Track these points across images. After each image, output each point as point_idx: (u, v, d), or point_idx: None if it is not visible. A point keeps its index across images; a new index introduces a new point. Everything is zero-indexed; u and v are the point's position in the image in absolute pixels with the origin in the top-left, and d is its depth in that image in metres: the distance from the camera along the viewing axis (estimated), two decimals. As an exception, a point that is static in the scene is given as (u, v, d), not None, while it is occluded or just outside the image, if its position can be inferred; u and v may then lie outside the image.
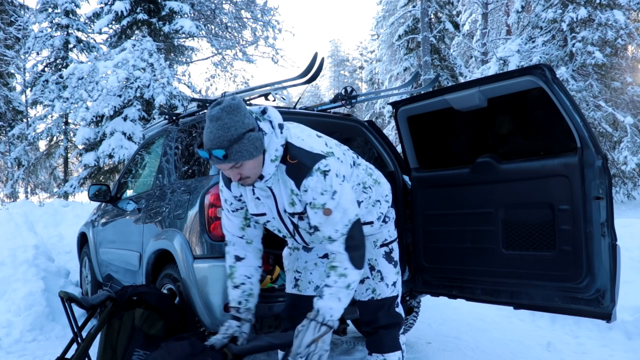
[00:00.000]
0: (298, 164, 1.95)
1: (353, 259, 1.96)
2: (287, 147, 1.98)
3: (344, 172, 2.04)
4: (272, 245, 3.65)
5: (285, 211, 2.07)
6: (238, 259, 2.23)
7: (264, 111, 1.99)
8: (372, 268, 2.38)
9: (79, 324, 2.78)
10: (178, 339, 2.24)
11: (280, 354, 2.45)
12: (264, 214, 2.13)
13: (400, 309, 2.44)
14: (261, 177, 1.98)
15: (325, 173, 1.93)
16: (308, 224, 2.05)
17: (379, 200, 2.32)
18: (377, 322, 2.38)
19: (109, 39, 13.98)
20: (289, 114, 3.62)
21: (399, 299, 2.44)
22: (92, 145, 12.18)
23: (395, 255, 2.43)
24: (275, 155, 1.95)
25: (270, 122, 1.97)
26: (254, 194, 2.09)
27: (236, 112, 1.87)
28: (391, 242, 2.41)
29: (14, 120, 17.44)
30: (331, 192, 1.93)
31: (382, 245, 2.38)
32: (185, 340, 2.17)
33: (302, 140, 2.01)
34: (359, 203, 2.19)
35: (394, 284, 2.40)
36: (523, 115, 3.02)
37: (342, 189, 1.96)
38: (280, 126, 2.00)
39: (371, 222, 2.32)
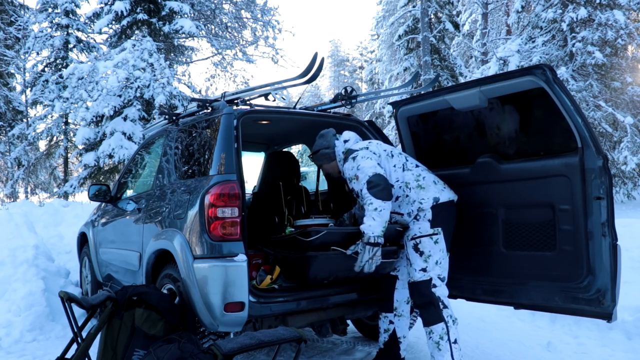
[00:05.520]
0: (345, 158, 3.17)
1: (373, 192, 2.87)
2: (347, 152, 3.18)
3: (369, 156, 3.04)
4: (273, 246, 3.64)
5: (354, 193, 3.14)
6: None
7: (341, 135, 3.31)
8: (406, 257, 3.11)
9: (79, 324, 2.77)
10: (167, 341, 2.24)
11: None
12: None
13: (438, 290, 2.99)
14: (339, 172, 3.27)
15: (353, 158, 3.08)
16: (355, 194, 3.08)
17: (415, 200, 3.06)
18: (415, 303, 3.10)
19: (109, 39, 13.95)
20: (289, 114, 3.62)
21: (435, 282, 3.00)
22: (92, 145, 12.15)
23: (423, 247, 3.02)
24: (339, 158, 3.25)
25: (340, 140, 3.27)
26: None
27: (319, 138, 3.32)
28: (420, 237, 3.04)
29: (14, 120, 17.41)
30: (356, 166, 3.02)
31: (411, 239, 3.07)
32: (174, 343, 2.16)
33: (354, 145, 3.19)
34: (396, 198, 3.08)
35: (423, 270, 3.01)
36: (523, 115, 3.01)
37: (364, 161, 3.00)
38: (345, 141, 3.25)
39: (401, 214, 3.11)
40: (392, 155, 3.17)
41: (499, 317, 4.84)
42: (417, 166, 3.17)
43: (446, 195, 3.09)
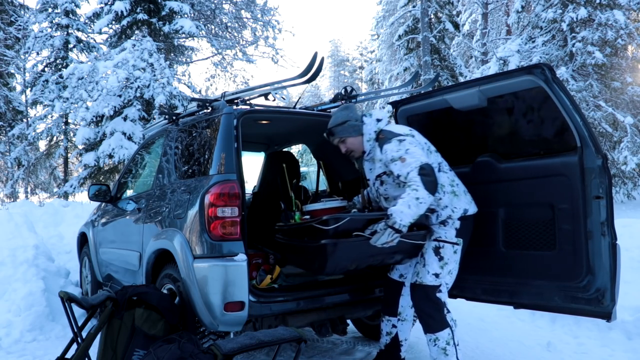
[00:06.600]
0: (385, 138, 2.90)
1: (424, 181, 2.63)
2: (381, 132, 2.96)
3: (417, 144, 2.85)
4: (272, 245, 3.64)
5: (374, 177, 3.03)
6: None
7: (370, 114, 3.07)
8: (421, 254, 2.95)
9: (79, 324, 2.78)
10: (167, 340, 2.24)
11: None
12: (369, 180, 3.15)
13: (441, 296, 2.89)
14: (364, 152, 3.05)
15: (400, 141, 2.83)
16: (386, 183, 2.95)
17: (447, 206, 2.91)
18: (418, 307, 2.92)
19: (109, 39, 13.95)
20: (289, 114, 3.62)
21: (442, 288, 2.89)
22: (92, 145, 12.15)
23: (444, 252, 2.90)
24: (369, 137, 3.00)
25: (372, 118, 3.02)
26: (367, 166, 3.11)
27: (345, 109, 3.09)
28: (443, 241, 2.91)
29: (14, 120, 17.40)
30: (404, 149, 2.78)
31: (434, 240, 2.92)
32: (174, 343, 2.16)
33: (393, 128, 2.98)
34: None
35: (436, 275, 2.89)
36: (523, 115, 3.02)
37: (414, 147, 2.80)
38: (378, 120, 3.02)
39: (432, 211, 2.90)
40: (430, 152, 3.00)
41: (499, 317, 4.84)
42: (450, 169, 3.02)
43: (473, 208, 2.99)
